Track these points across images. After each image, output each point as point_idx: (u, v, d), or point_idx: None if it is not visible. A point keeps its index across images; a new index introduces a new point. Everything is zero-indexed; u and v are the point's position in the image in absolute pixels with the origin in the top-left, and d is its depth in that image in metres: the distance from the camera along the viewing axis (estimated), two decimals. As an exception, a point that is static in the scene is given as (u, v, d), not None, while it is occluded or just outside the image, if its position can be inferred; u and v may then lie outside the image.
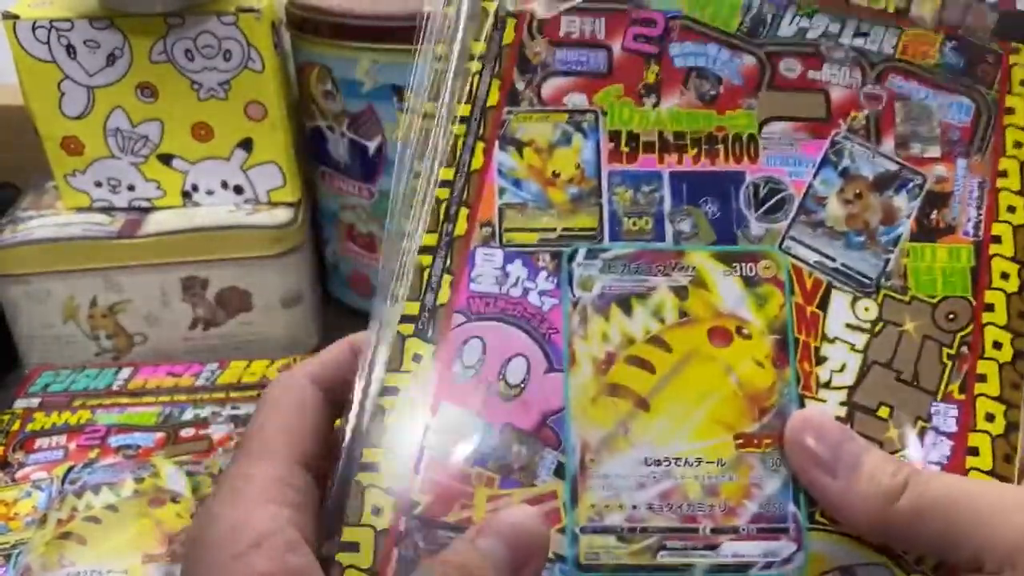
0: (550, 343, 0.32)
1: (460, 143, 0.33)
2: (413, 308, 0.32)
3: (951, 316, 0.32)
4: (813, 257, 0.33)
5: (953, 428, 0.31)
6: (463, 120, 0.33)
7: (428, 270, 0.32)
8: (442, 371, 0.31)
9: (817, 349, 0.32)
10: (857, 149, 0.34)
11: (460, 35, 0.34)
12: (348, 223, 0.71)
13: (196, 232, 0.65)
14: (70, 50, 0.62)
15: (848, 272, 0.33)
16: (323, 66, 0.65)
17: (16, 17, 0.61)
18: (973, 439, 0.31)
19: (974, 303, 0.32)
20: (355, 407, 0.31)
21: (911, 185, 0.34)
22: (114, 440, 0.57)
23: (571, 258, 0.33)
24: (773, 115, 0.34)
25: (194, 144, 0.66)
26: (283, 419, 0.31)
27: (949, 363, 0.32)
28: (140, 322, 0.67)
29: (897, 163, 0.34)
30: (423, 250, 0.32)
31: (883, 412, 0.31)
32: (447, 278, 0.32)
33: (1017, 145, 0.34)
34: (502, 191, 0.33)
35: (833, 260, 0.33)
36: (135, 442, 0.57)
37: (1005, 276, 0.33)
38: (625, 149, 0.34)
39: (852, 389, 0.32)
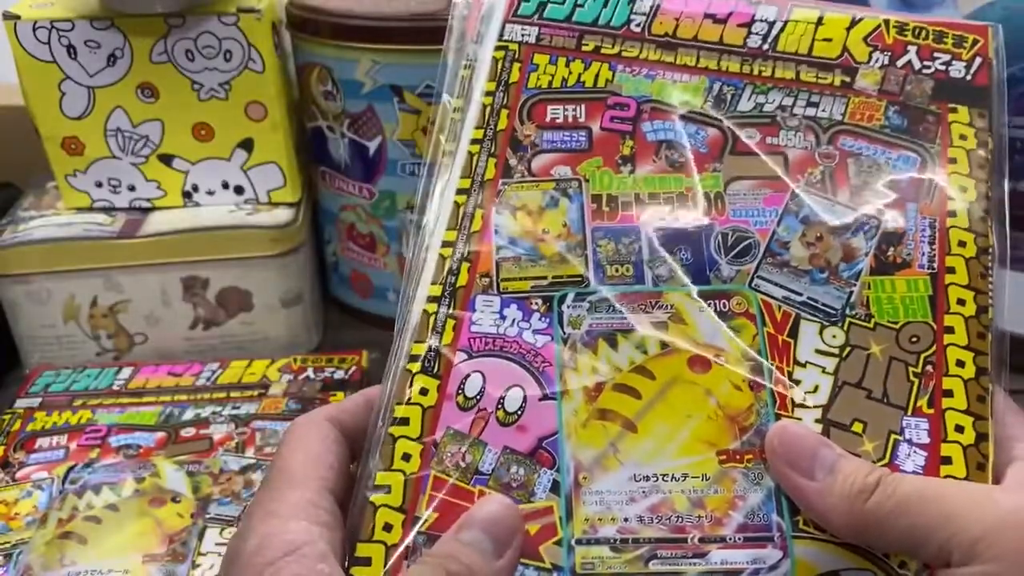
0: (544, 375, 0.35)
1: (461, 210, 0.38)
2: (420, 348, 0.35)
3: (914, 339, 0.35)
4: (780, 293, 0.36)
5: (925, 440, 0.33)
6: (464, 192, 0.38)
7: (434, 316, 0.36)
8: (446, 402, 0.34)
9: (790, 373, 0.35)
10: (815, 199, 0.38)
11: (467, 129, 0.39)
12: (348, 223, 0.71)
13: (197, 232, 0.65)
14: (71, 50, 0.62)
15: (814, 304, 0.36)
16: (323, 66, 0.65)
17: (17, 17, 0.61)
18: (945, 449, 0.33)
19: (935, 327, 0.35)
20: (370, 438, 0.34)
21: (867, 227, 0.37)
22: (115, 440, 0.57)
23: (561, 301, 0.36)
24: (737, 176, 0.38)
25: (195, 144, 0.66)
26: (308, 453, 0.33)
27: (916, 380, 0.34)
28: (141, 322, 0.68)
29: (853, 209, 0.37)
30: (430, 299, 0.36)
31: (857, 427, 0.34)
32: (450, 322, 0.36)
33: (962, 189, 0.37)
34: (499, 248, 0.37)
35: (800, 295, 0.36)
36: (136, 442, 0.57)
37: (962, 302, 0.35)
38: (606, 209, 0.38)
39: (826, 408, 0.34)
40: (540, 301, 0.36)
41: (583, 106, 0.40)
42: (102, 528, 0.49)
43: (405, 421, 0.34)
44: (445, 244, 0.37)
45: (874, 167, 0.38)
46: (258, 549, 0.29)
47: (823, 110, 0.39)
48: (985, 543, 0.28)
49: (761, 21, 0.41)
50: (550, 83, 0.40)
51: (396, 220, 0.69)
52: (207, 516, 0.51)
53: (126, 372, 0.64)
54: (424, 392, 0.34)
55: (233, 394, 0.61)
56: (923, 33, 0.40)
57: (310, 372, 0.64)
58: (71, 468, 0.54)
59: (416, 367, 0.35)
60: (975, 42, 0.40)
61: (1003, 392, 0.34)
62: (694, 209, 0.38)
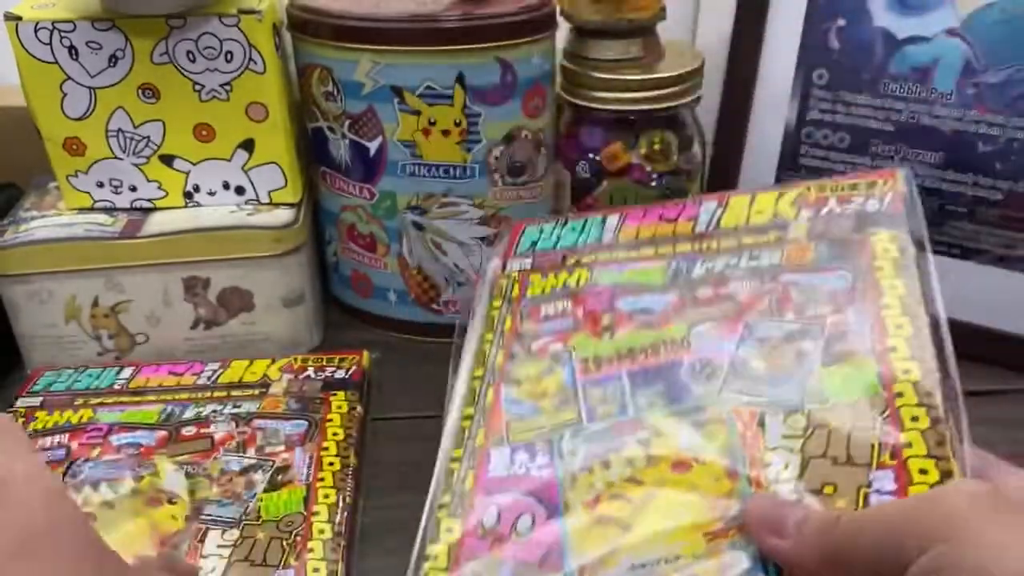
0: (548, 499, 0.42)
1: (477, 390, 0.48)
2: (447, 496, 0.44)
3: (872, 406, 0.39)
4: (746, 398, 0.42)
5: (893, 487, 0.36)
6: (478, 378, 0.49)
7: (456, 471, 0.45)
8: (468, 536, 0.42)
9: (762, 459, 0.39)
10: (766, 324, 0.44)
11: (478, 334, 0.52)
12: (349, 223, 0.72)
13: (198, 232, 0.66)
14: (72, 51, 0.62)
15: (776, 402, 0.41)
16: (324, 67, 0.65)
17: (18, 18, 0.61)
18: (913, 490, 0.36)
19: (886, 394, 0.39)
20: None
21: (813, 332, 0.43)
22: (116, 439, 0.57)
23: (560, 440, 0.44)
24: (698, 321, 0.46)
25: (196, 145, 0.67)
26: None
27: (876, 442, 0.38)
28: (142, 322, 0.68)
29: (799, 323, 0.43)
30: (452, 460, 0.46)
31: (828, 490, 0.37)
32: (471, 473, 0.44)
33: (892, 288, 0.43)
34: (507, 410, 0.46)
35: (761, 397, 0.41)
36: (137, 440, 0.57)
37: (907, 372, 0.39)
38: (592, 368, 0.47)
39: (798, 480, 0.38)
40: (543, 443, 0.44)
41: (569, 300, 0.50)
42: (97, 526, 0.49)
43: (434, 557, 0.42)
44: (465, 418, 0.47)
45: (812, 289, 0.44)
46: None
47: (763, 260, 0.47)
48: (939, 532, 0.30)
49: (705, 213, 0.51)
50: (543, 291, 0.52)
51: (396, 220, 0.69)
52: (204, 517, 0.51)
53: (127, 372, 0.65)
54: (450, 531, 0.42)
55: (234, 393, 0.62)
56: (839, 188, 0.48)
57: (311, 371, 0.64)
58: (72, 463, 0.54)
59: (444, 513, 0.43)
60: (886, 182, 0.47)
61: (965, 439, 0.37)
62: (665, 352, 0.45)
